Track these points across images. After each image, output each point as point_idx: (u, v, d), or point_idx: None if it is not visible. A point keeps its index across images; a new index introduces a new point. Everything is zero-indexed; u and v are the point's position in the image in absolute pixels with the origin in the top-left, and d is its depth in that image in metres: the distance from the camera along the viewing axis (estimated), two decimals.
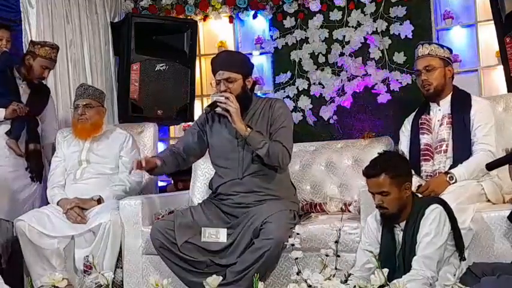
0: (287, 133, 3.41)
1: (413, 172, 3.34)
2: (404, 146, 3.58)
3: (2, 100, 4.14)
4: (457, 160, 3.33)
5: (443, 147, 3.39)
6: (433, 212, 2.82)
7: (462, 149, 3.35)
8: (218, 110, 3.33)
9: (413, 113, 3.64)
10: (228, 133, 3.44)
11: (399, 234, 2.91)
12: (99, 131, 4.09)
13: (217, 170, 3.54)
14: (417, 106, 3.69)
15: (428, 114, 3.53)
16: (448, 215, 2.84)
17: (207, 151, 3.61)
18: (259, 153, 3.32)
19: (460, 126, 3.39)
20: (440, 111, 3.49)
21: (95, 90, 4.14)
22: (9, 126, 4.16)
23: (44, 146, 4.39)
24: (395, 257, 2.89)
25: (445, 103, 3.49)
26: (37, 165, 4.24)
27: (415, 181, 3.24)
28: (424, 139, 3.47)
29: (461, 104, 3.45)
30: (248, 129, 3.30)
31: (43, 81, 4.41)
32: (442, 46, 3.56)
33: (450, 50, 3.57)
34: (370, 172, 2.92)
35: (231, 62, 3.43)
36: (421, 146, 3.46)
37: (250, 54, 5.66)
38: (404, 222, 2.90)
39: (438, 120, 3.48)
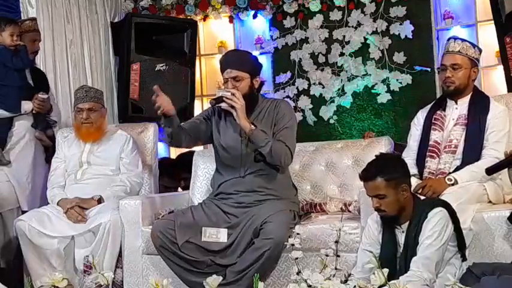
0: (290, 133, 3.41)
1: (415, 172, 3.35)
2: (413, 139, 3.51)
3: (27, 93, 4.11)
4: (465, 162, 3.26)
5: (452, 148, 3.31)
6: (437, 215, 2.80)
7: (472, 151, 3.27)
8: (223, 105, 3.31)
9: (429, 106, 3.54)
10: (232, 130, 3.44)
11: (401, 236, 2.91)
12: (103, 133, 4.08)
13: (219, 168, 3.55)
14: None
15: (444, 110, 3.44)
16: (451, 217, 2.83)
17: (210, 147, 3.61)
18: (262, 152, 3.32)
19: (475, 129, 3.30)
20: (457, 110, 3.40)
21: (96, 92, 4.11)
22: (31, 118, 4.13)
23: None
24: (396, 258, 2.88)
25: (463, 103, 3.39)
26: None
27: (413, 182, 3.22)
28: (434, 135, 3.38)
29: (480, 106, 3.35)
30: (252, 126, 3.30)
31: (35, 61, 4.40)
32: (473, 45, 3.43)
33: (480, 50, 3.45)
34: (365, 175, 2.91)
35: (240, 61, 3.44)
36: (430, 142, 3.38)
37: None
38: (407, 223, 2.88)
39: (453, 119, 3.39)
